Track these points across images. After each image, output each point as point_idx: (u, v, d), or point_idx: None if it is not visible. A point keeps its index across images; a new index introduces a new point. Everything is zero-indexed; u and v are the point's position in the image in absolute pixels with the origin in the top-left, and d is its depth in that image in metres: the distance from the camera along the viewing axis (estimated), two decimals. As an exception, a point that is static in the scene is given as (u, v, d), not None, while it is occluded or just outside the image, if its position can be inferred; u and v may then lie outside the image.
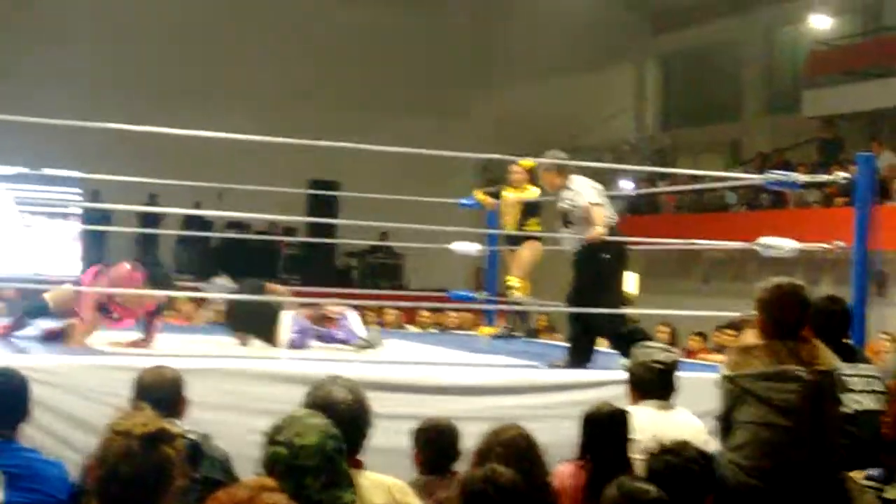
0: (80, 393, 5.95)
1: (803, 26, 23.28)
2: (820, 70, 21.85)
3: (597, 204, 7.93)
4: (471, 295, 11.79)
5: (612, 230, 7.97)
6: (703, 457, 4.24)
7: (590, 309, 7.75)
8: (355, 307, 9.30)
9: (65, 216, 21.79)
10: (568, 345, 8.17)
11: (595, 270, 7.92)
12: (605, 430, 4.87)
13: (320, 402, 3.91)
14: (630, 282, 22.90)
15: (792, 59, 23.88)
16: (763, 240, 8.16)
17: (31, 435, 4.95)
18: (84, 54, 23.25)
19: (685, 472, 4.09)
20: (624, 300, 8.26)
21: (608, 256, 7.90)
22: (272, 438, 3.34)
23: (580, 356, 7.83)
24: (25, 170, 11.23)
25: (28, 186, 19.30)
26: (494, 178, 24.41)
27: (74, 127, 7.40)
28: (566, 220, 8.13)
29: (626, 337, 7.85)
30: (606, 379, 6.93)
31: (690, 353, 12.24)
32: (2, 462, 4.47)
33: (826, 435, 4.65)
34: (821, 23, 22.66)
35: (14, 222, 21.01)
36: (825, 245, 8.24)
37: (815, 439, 4.61)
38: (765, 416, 4.60)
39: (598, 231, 7.81)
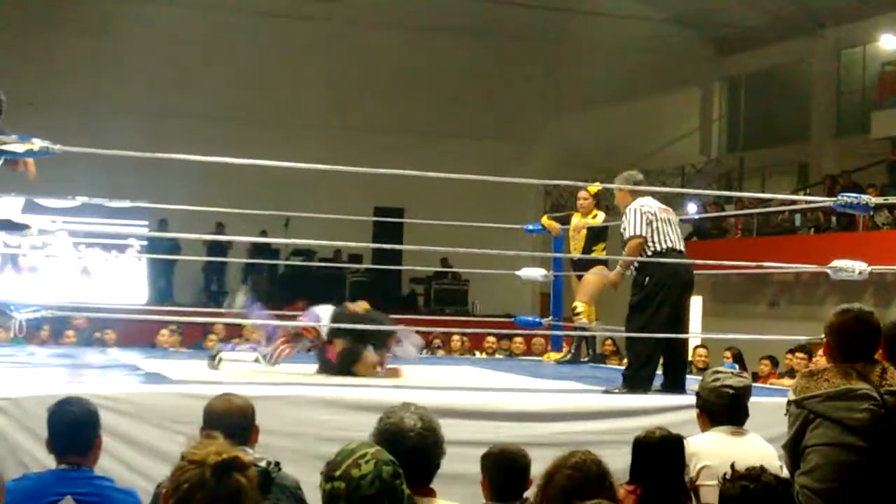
0: (151, 421, 6.01)
1: (871, 47, 23.07)
2: (888, 91, 21.64)
3: (637, 237, 7.95)
4: (537, 320, 11.77)
5: (668, 253, 7.97)
6: (781, 482, 4.18)
7: (661, 335, 7.71)
8: (421, 333, 9.31)
9: (129, 246, 22.09)
10: (624, 371, 8.14)
11: (638, 295, 7.99)
12: (656, 456, 4.82)
13: (392, 429, 3.90)
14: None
15: (860, 81, 23.65)
16: (834, 262, 8.09)
17: (102, 463, 4.98)
18: (148, 86, 23.54)
19: (762, 498, 4.02)
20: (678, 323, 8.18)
21: (648, 279, 7.90)
22: (329, 475, 3.34)
23: (635, 382, 7.79)
24: (92, 200, 11.38)
25: (96, 218, 19.59)
26: (557, 202, 24.45)
27: (141, 158, 7.48)
28: (622, 243, 8.21)
29: (672, 363, 7.86)
30: (675, 404, 6.89)
31: (760, 378, 12.14)
32: (74, 490, 4.51)
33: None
34: (889, 43, 22.44)
35: (81, 253, 21.31)
36: (896, 268, 8.15)
37: (889, 459, 4.54)
38: (837, 438, 4.53)
39: (613, 278, 8.22)
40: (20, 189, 15.87)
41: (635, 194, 8.29)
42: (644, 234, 7.99)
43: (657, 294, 7.94)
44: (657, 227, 8.05)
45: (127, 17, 23.69)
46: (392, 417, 3.98)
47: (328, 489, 3.31)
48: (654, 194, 8.50)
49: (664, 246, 8.01)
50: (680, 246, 8.12)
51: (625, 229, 8.10)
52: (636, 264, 8.02)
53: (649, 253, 7.97)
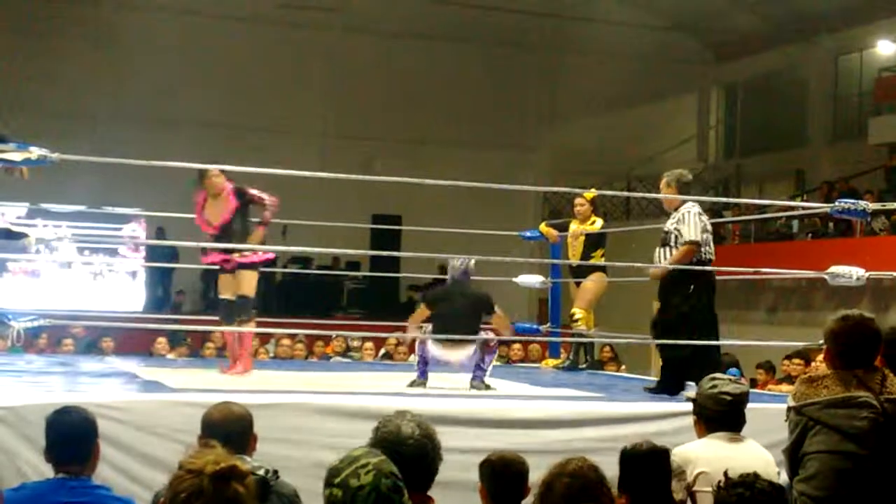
0: (149, 429, 6.01)
1: (868, 53, 23.11)
2: (885, 97, 21.67)
3: (695, 242, 7.97)
4: (535, 327, 11.77)
5: (708, 264, 8.07)
6: (776, 489, 4.19)
7: (655, 340, 7.74)
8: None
9: (128, 253, 22.08)
10: (662, 373, 8.19)
11: (676, 302, 8.00)
12: (643, 468, 4.84)
13: (389, 437, 3.90)
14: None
15: (857, 87, 23.68)
16: (832, 269, 8.10)
17: (101, 471, 4.99)
18: (145, 94, 23.53)
19: (757, 505, 4.04)
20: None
21: (692, 287, 7.89)
22: (328, 480, 3.34)
23: (668, 384, 7.85)
24: (89, 208, 11.41)
25: (93, 224, 19.58)
26: (556, 209, 24.46)
27: (138, 165, 7.50)
28: (665, 241, 8.15)
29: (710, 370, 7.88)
30: (671, 411, 6.90)
31: (758, 384, 12.14)
32: (72, 499, 4.51)
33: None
34: (886, 49, 22.47)
35: (79, 261, 21.31)
36: (894, 273, 8.17)
37: (888, 467, 4.54)
38: (836, 445, 4.54)
39: (656, 272, 8.12)
40: (18, 196, 15.86)
41: (684, 194, 8.32)
42: (700, 241, 8.02)
43: (699, 304, 7.95)
44: (706, 239, 8.10)
45: (124, 25, 23.72)
46: (389, 426, 3.98)
47: (326, 494, 3.31)
48: (650, 200, 8.52)
49: (707, 257, 8.06)
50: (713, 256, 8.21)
51: (678, 231, 8.08)
52: (676, 270, 8.01)
53: (694, 260, 7.99)
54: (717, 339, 8.13)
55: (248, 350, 9.27)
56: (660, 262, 8.24)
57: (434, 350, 8.34)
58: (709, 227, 8.20)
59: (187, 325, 14.83)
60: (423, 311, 8.76)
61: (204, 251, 9.25)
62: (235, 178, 9.34)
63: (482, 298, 8.72)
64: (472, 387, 8.29)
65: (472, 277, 8.81)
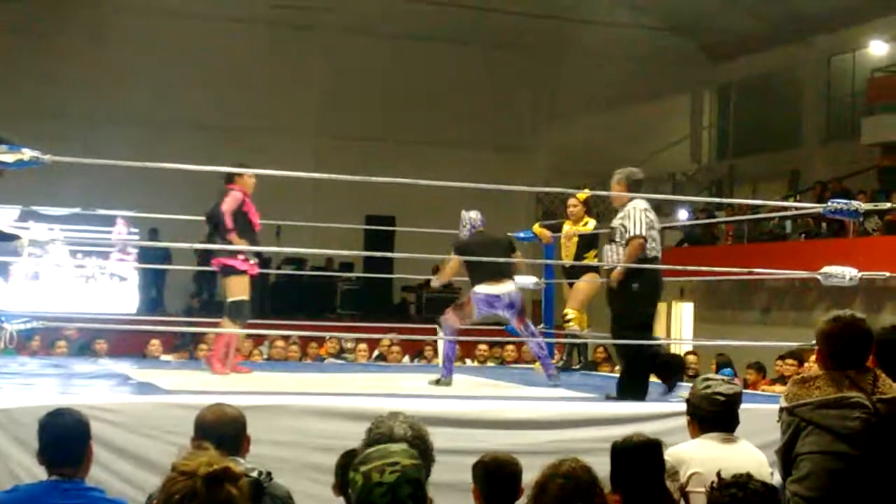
0: (143, 431, 6.01)
1: (861, 53, 23.14)
2: (878, 97, 21.69)
3: (640, 237, 7.97)
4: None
5: (653, 261, 8.03)
6: (768, 489, 4.19)
7: (643, 341, 7.75)
8: (413, 341, 9.40)
9: (121, 255, 22.07)
10: (620, 377, 8.19)
11: (622, 299, 8.06)
12: (635, 462, 4.81)
13: (381, 438, 3.91)
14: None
15: (850, 87, 23.71)
16: (825, 269, 8.12)
17: (94, 474, 4.98)
18: (139, 96, 23.52)
19: (750, 506, 4.04)
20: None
21: (636, 285, 7.93)
22: (356, 465, 3.32)
23: (634, 389, 7.83)
24: (83, 210, 11.39)
25: (86, 226, 19.56)
26: (549, 210, 24.48)
27: (131, 167, 7.49)
28: (611, 237, 8.26)
29: (664, 367, 7.94)
30: (665, 411, 6.90)
31: (749, 385, 12.14)
32: (65, 501, 4.50)
33: (892, 463, 4.59)
34: (879, 49, 22.51)
35: (71, 262, 21.29)
36: (886, 273, 8.18)
37: (881, 468, 4.55)
38: (828, 446, 4.54)
39: (616, 276, 8.11)
40: (10, 198, 15.84)
41: (633, 193, 8.34)
42: (645, 236, 8.04)
43: (645, 300, 8.00)
44: (652, 236, 8.11)
45: (121, 27, 23.71)
46: (381, 427, 3.99)
47: (350, 476, 3.29)
48: (648, 200, 8.54)
49: (653, 254, 8.07)
50: (660, 254, 8.25)
51: (623, 227, 8.12)
52: (610, 269, 8.12)
53: (639, 256, 8.02)
54: (651, 339, 8.20)
55: (217, 353, 9.32)
56: (608, 259, 8.37)
57: (485, 289, 8.84)
58: (656, 225, 8.21)
59: (182, 327, 14.80)
60: (455, 262, 9.18)
61: (218, 253, 9.25)
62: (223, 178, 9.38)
63: (506, 239, 9.46)
64: (550, 377, 8.92)
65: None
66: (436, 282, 10.10)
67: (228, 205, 8.99)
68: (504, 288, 8.87)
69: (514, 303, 8.93)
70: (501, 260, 8.79)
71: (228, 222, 8.93)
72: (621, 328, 8.11)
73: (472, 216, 9.35)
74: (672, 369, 8.46)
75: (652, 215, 8.19)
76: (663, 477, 4.83)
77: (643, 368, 8.04)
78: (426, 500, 3.30)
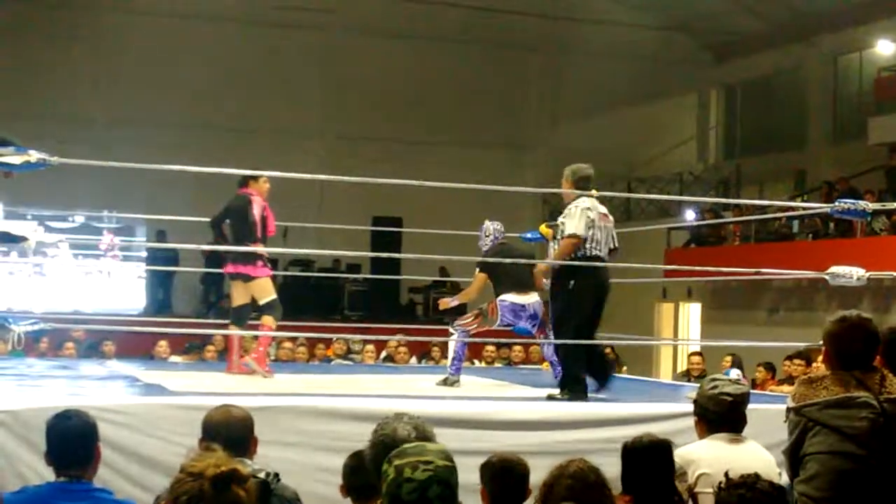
0: (150, 433, 6.01)
1: (868, 53, 23.09)
2: (885, 96, 21.63)
3: (574, 236, 8.04)
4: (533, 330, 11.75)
5: (594, 260, 8.10)
6: (776, 489, 4.18)
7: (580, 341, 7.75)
8: (421, 342, 9.44)
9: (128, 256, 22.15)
10: (562, 378, 8.25)
11: (561, 298, 8.18)
12: (645, 463, 4.81)
13: (385, 440, 3.90)
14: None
15: (857, 87, 23.66)
16: (833, 269, 8.11)
17: (102, 475, 4.99)
18: (145, 97, 23.55)
19: (758, 506, 4.03)
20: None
21: (573, 283, 7.99)
22: (390, 457, 3.30)
23: (576, 387, 7.90)
24: (89, 212, 11.41)
25: (95, 225, 19.62)
26: (554, 210, 24.45)
27: (138, 169, 7.50)
28: (555, 235, 8.46)
29: (595, 366, 7.98)
30: (672, 412, 6.90)
31: (757, 385, 12.14)
32: (73, 503, 4.51)
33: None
34: (886, 49, 22.46)
35: (78, 264, 21.36)
36: (894, 273, 8.17)
37: (888, 467, 4.54)
38: (835, 445, 4.54)
39: (541, 268, 8.44)
40: (18, 200, 15.89)
41: (580, 190, 8.38)
42: (584, 235, 8.07)
43: (582, 299, 8.03)
44: (593, 235, 8.14)
45: (124, 28, 23.72)
46: (386, 429, 3.98)
47: (384, 468, 3.28)
48: (651, 201, 8.54)
49: (593, 253, 8.12)
50: (605, 254, 8.26)
51: (563, 224, 8.17)
52: (559, 266, 8.17)
53: (578, 255, 8.06)
54: (592, 339, 8.26)
55: (234, 352, 9.62)
56: (550, 257, 8.49)
57: (513, 297, 9.00)
58: (599, 224, 8.21)
59: (191, 328, 14.82)
60: (483, 278, 9.35)
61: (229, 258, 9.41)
62: (232, 180, 9.43)
63: (530, 251, 9.89)
64: (562, 386, 8.72)
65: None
66: (458, 300, 10.08)
67: (258, 213, 9.09)
68: (530, 299, 9.06)
69: (537, 313, 9.11)
70: (522, 261, 8.94)
71: (258, 233, 9.08)
72: (558, 327, 8.23)
73: (496, 227, 9.58)
74: (604, 368, 8.57)
75: (594, 214, 8.21)
76: (673, 478, 4.83)
77: (579, 368, 8.08)
78: (456, 503, 3.27)
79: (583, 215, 8.14)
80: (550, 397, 7.89)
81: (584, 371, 8.11)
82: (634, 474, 4.78)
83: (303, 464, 5.93)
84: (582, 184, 8.41)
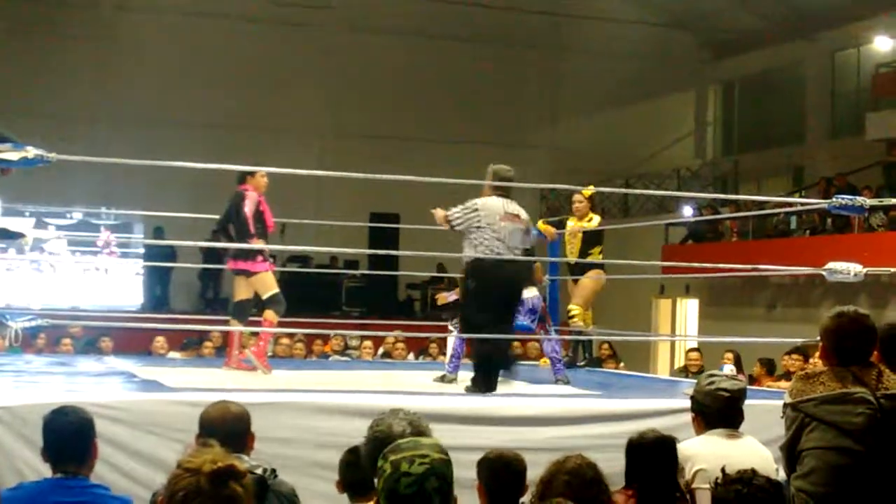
0: (147, 429, 6.01)
1: (865, 49, 23.11)
2: (883, 92, 21.66)
3: (449, 225, 8.31)
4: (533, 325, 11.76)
5: (494, 263, 8.13)
6: (773, 485, 4.18)
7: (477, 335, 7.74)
8: (418, 338, 9.45)
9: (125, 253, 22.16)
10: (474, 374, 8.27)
11: (463, 298, 8.48)
12: (650, 458, 4.83)
13: (380, 436, 3.90)
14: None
15: (854, 82, 23.68)
16: (830, 265, 8.10)
17: (98, 471, 4.99)
18: (143, 94, 23.55)
19: (755, 501, 4.03)
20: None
21: (473, 284, 8.16)
22: (386, 453, 3.31)
23: (485, 382, 7.98)
24: (88, 208, 11.41)
25: (94, 221, 19.62)
26: (553, 207, 24.46)
27: (135, 167, 7.51)
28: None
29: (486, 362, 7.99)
30: (670, 408, 6.89)
31: (755, 380, 12.14)
32: (71, 499, 4.51)
33: (896, 458, 4.58)
34: (883, 45, 22.47)
35: (77, 260, 21.35)
36: (891, 269, 8.17)
37: (885, 463, 4.54)
38: (832, 441, 4.54)
39: (439, 214, 8.51)
40: (16, 197, 15.87)
41: (495, 190, 8.38)
42: (457, 227, 8.24)
43: (479, 298, 8.12)
44: (484, 236, 8.12)
45: (122, 25, 23.74)
46: (381, 425, 3.98)
47: (379, 464, 3.28)
48: (649, 197, 8.56)
49: (496, 253, 8.13)
50: (509, 254, 8.23)
51: (457, 209, 8.34)
52: (463, 265, 8.27)
53: (473, 255, 8.08)
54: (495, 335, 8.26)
55: (233, 347, 9.68)
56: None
57: None
58: (502, 223, 8.21)
59: (189, 324, 14.82)
60: None
61: (228, 255, 9.48)
62: (231, 177, 9.43)
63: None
64: (558, 381, 9.10)
65: None
66: (456, 295, 10.14)
67: (250, 208, 9.08)
68: (528, 293, 9.14)
69: (535, 308, 9.27)
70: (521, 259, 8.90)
71: (251, 227, 9.05)
72: (462, 325, 8.42)
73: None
74: (506, 367, 8.64)
75: (484, 213, 8.22)
76: (676, 473, 4.84)
77: (485, 366, 8.13)
78: (452, 496, 3.28)
79: (466, 207, 8.27)
80: (467, 389, 7.99)
81: (487, 370, 8.10)
82: (638, 469, 4.80)
83: (300, 459, 5.93)
84: (499, 186, 8.45)
